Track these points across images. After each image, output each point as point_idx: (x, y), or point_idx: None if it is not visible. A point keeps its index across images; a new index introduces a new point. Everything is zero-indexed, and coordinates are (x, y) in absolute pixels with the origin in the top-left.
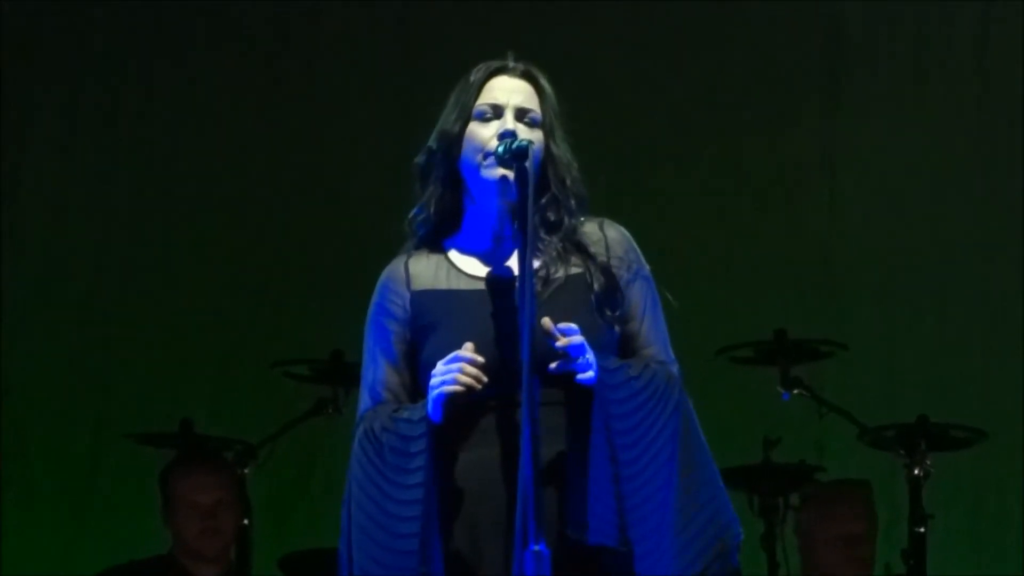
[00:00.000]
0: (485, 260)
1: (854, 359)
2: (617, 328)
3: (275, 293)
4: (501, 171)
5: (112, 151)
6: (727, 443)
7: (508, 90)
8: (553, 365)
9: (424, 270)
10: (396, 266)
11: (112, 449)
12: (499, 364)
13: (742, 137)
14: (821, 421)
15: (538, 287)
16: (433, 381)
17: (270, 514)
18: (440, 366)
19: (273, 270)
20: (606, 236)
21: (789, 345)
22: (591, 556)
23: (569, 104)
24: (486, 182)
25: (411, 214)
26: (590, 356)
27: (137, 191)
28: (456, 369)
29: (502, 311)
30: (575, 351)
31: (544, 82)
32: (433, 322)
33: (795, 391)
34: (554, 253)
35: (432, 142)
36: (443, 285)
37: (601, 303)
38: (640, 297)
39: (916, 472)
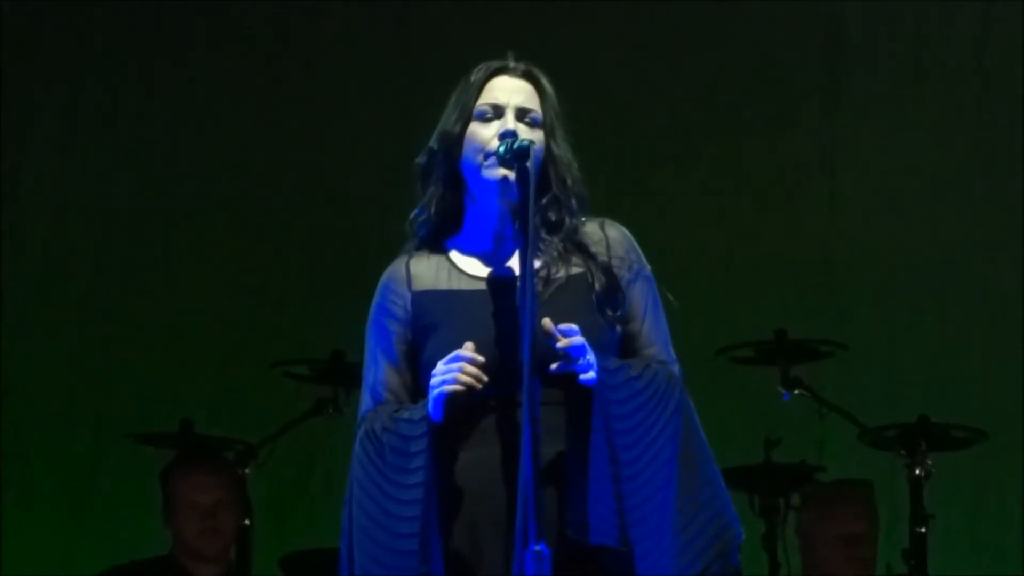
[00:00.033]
0: (486, 260)
1: (854, 359)
2: (618, 328)
3: (275, 293)
4: (502, 171)
5: (112, 151)
6: (728, 443)
7: (509, 90)
8: (554, 366)
9: (425, 270)
10: (397, 266)
11: (112, 449)
12: (500, 364)
13: (742, 137)
14: (821, 421)
15: (539, 287)
16: (433, 381)
17: (270, 514)
18: (440, 366)
19: (273, 270)
20: (607, 236)
21: (789, 345)
22: (591, 556)
23: (569, 104)
24: (487, 182)
25: (412, 214)
26: (591, 357)
27: (137, 191)
28: (456, 369)
29: (503, 311)
30: (576, 352)
31: (545, 82)
32: (434, 322)
33: (795, 391)
34: (555, 253)
35: (433, 142)
36: (444, 285)
37: (602, 303)
38: (641, 297)
39: (917, 472)
